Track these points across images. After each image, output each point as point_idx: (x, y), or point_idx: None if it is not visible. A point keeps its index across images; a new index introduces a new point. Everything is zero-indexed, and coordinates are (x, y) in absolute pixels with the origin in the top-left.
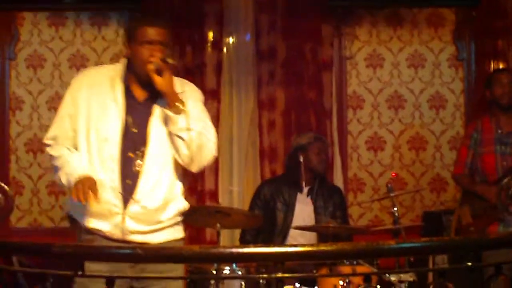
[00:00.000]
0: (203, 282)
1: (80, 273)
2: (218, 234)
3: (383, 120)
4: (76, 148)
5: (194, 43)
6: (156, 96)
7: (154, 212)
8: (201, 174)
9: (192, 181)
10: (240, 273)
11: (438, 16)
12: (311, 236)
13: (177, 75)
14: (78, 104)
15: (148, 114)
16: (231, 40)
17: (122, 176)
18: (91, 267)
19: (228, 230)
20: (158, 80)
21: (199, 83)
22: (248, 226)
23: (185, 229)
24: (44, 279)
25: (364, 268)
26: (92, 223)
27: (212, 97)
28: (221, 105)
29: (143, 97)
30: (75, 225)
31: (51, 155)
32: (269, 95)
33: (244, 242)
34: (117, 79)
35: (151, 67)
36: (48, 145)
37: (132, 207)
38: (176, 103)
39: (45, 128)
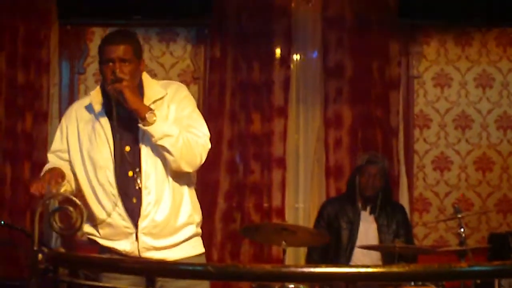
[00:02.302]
0: None
1: None
2: (284, 252)
3: (450, 140)
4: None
5: (262, 60)
6: None
7: (164, 223)
8: (267, 191)
9: (259, 198)
10: None
11: (507, 35)
12: (375, 255)
13: (244, 91)
14: (69, 141)
15: (135, 130)
16: (298, 57)
17: (126, 197)
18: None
19: (292, 248)
20: (121, 100)
21: (267, 100)
22: (314, 244)
23: (250, 246)
24: None
25: None
26: (108, 243)
27: (279, 114)
28: (288, 122)
29: (126, 114)
30: (94, 243)
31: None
32: (336, 113)
33: (311, 261)
34: (99, 104)
35: (109, 88)
36: None
37: (142, 223)
38: (146, 114)
39: None
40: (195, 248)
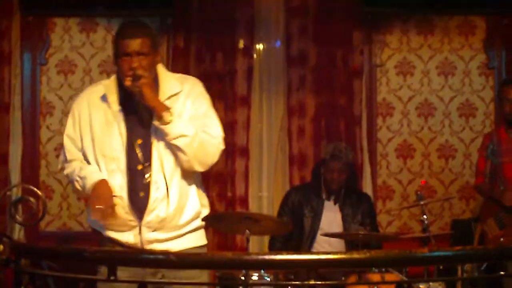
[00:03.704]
0: None
1: (112, 278)
2: (248, 240)
3: (412, 127)
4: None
5: (225, 50)
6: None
7: (169, 219)
8: (231, 180)
9: (222, 187)
10: (268, 279)
11: (469, 24)
12: (338, 244)
13: (208, 81)
14: (81, 128)
15: (148, 124)
16: (261, 46)
17: (133, 190)
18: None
19: (257, 236)
20: (139, 96)
21: (230, 89)
22: (277, 233)
23: (214, 235)
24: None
25: (393, 276)
26: (112, 234)
27: (242, 103)
28: (251, 111)
29: (141, 107)
30: (97, 233)
31: (66, 175)
32: (299, 102)
33: (274, 249)
34: (114, 95)
35: (127, 83)
36: (63, 169)
37: (148, 217)
38: (163, 113)
39: None
40: (199, 239)
